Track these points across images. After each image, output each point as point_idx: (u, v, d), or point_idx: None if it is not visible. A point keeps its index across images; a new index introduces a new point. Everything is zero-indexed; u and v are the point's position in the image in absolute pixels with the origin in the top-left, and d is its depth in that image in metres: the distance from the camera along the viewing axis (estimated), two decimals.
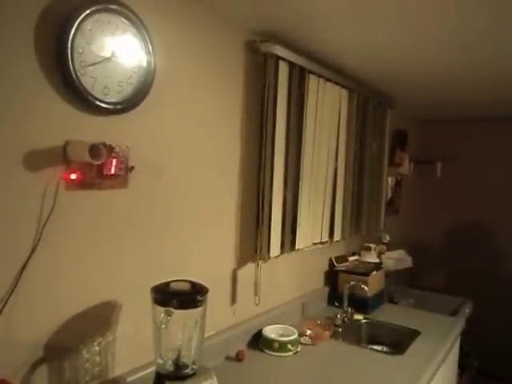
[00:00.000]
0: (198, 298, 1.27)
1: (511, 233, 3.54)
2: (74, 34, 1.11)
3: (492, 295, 3.52)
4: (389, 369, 1.73)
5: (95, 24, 1.16)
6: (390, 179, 3.31)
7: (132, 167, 1.32)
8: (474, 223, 3.72)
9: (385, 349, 2.13)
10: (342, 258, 2.64)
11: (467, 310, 2.73)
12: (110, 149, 1.23)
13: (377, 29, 1.68)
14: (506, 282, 3.52)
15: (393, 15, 1.53)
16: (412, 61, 2.09)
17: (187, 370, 1.29)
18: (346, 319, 2.23)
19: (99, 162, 1.15)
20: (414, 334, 2.09)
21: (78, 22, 1.10)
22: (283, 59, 1.82)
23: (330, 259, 2.58)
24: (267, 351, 1.82)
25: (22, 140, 1.07)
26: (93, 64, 1.17)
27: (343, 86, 2.32)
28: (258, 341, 1.87)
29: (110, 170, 1.23)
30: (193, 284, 1.30)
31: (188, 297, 1.27)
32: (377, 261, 2.79)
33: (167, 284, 1.29)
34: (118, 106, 1.24)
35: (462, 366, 2.78)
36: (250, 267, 1.89)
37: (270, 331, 1.89)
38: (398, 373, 1.70)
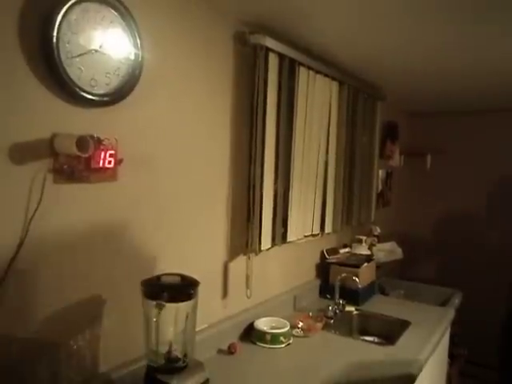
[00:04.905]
0: (189, 291, 1.26)
1: (500, 224, 3.57)
2: (60, 24, 1.08)
3: (481, 286, 3.56)
4: (380, 359, 1.74)
5: (81, 14, 1.14)
6: (380, 172, 3.32)
7: (121, 160, 1.30)
8: (463, 215, 3.75)
9: (376, 340, 2.14)
10: (334, 251, 2.65)
11: (457, 301, 2.76)
12: (99, 141, 1.21)
13: (368, 21, 1.67)
14: (495, 273, 3.56)
15: (384, 7, 1.53)
16: (403, 52, 2.09)
17: (179, 364, 1.29)
18: (337, 311, 2.24)
19: (87, 155, 1.13)
20: (404, 325, 2.11)
21: (63, 11, 1.08)
22: (273, 51, 1.81)
23: (322, 252, 2.58)
24: (259, 344, 1.82)
25: (7, 132, 1.05)
26: (79, 55, 1.15)
27: (333, 78, 2.32)
28: (250, 334, 1.88)
29: (98, 163, 1.21)
30: (183, 277, 1.30)
31: (179, 290, 1.26)
32: (368, 253, 2.80)
33: (158, 277, 1.28)
34: (105, 98, 1.22)
35: (452, 355, 2.81)
36: (241, 260, 1.88)
37: (262, 324, 1.89)
38: (389, 363, 1.71)
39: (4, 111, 1.04)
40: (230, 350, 1.72)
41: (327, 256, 2.57)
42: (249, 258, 1.89)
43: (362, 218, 2.83)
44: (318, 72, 2.16)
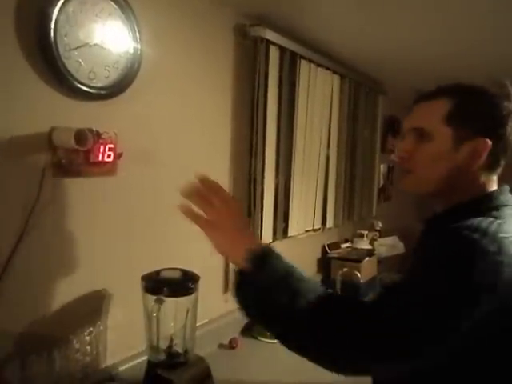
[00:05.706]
0: (189, 285, 1.26)
1: None
2: (57, 17, 1.07)
3: None
4: None
5: (79, 6, 1.12)
6: (382, 166, 3.31)
7: (120, 154, 1.29)
8: None
9: None
10: (335, 245, 2.63)
11: None
12: (97, 135, 1.19)
13: (369, 14, 1.65)
14: None
15: (386, 4, 1.51)
16: (404, 46, 2.07)
17: (179, 359, 1.28)
18: None
19: (85, 149, 1.12)
20: None
21: (60, 3, 1.06)
22: (274, 44, 1.79)
23: (323, 246, 2.57)
24: (260, 338, 1.81)
25: (5, 126, 1.04)
26: (77, 48, 1.13)
27: (335, 72, 2.30)
28: (251, 328, 1.87)
29: (97, 157, 1.20)
30: (183, 272, 1.29)
31: (179, 285, 1.26)
32: (369, 247, 2.79)
33: (158, 272, 1.27)
34: (104, 91, 1.21)
35: None
36: None
37: None
38: None
39: (3, 106, 1.03)
40: (231, 345, 1.72)
41: (328, 251, 2.56)
42: None
43: (364, 212, 2.82)
44: (319, 65, 2.14)
